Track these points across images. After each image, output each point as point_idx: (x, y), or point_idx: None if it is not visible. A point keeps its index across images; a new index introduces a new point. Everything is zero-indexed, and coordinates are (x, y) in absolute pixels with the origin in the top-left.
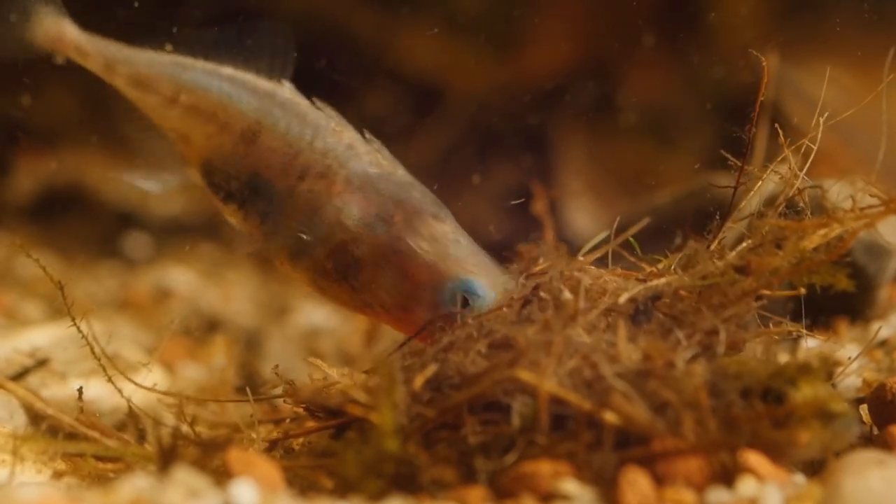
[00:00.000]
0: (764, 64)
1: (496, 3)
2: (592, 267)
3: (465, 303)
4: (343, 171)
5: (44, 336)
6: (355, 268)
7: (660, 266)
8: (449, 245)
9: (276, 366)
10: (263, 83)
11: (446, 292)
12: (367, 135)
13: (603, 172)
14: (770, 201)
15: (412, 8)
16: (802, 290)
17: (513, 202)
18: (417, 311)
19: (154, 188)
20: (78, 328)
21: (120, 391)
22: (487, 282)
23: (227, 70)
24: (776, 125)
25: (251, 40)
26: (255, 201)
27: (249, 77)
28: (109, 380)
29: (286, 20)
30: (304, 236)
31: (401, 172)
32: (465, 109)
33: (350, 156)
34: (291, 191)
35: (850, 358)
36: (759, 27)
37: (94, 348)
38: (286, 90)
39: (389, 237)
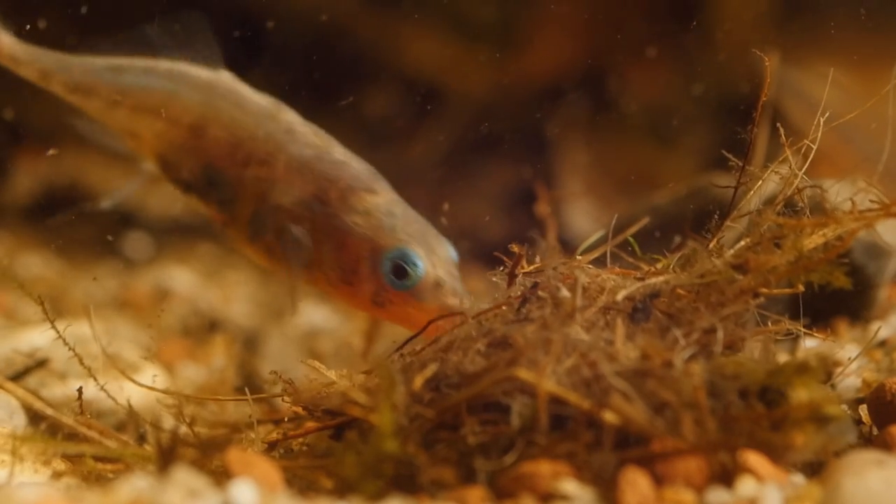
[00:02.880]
0: (766, 62)
1: (497, 5)
2: (590, 266)
3: (404, 272)
4: (282, 155)
5: (44, 336)
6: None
7: (658, 265)
8: (382, 217)
9: (273, 371)
10: (203, 74)
11: (384, 263)
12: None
13: (603, 173)
14: (770, 201)
15: (414, 9)
16: (801, 288)
17: (518, 204)
18: (359, 284)
19: (110, 203)
20: (63, 338)
21: (113, 398)
22: (423, 250)
23: (164, 65)
24: (777, 125)
25: (178, 34)
26: (211, 191)
27: (188, 69)
28: (102, 388)
29: (289, 20)
30: (255, 220)
31: (337, 151)
32: (466, 110)
33: (288, 140)
34: (240, 178)
35: (849, 358)
36: (759, 29)
37: (84, 354)
38: (225, 79)
39: (326, 215)
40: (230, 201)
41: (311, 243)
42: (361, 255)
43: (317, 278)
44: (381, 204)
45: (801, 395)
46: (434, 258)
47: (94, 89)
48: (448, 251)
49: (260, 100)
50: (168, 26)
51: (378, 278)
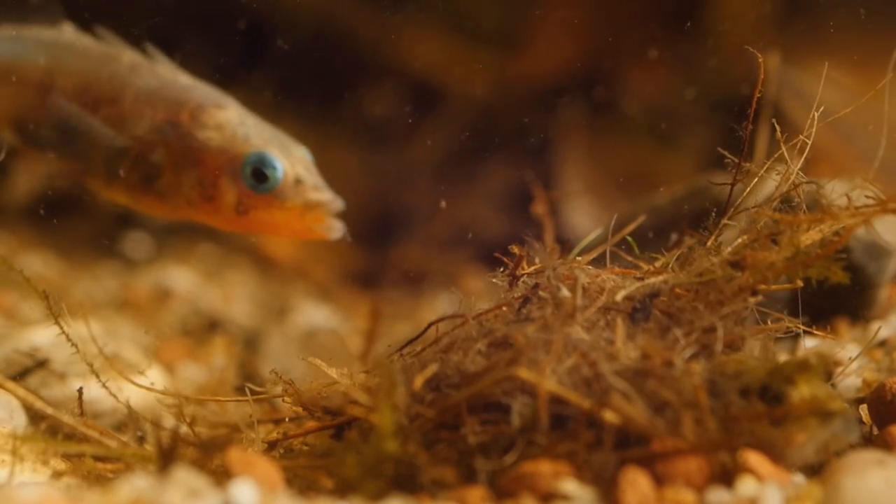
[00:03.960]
0: (760, 61)
1: (497, 4)
2: (589, 266)
3: (264, 176)
4: (129, 90)
5: (44, 336)
6: (157, 174)
7: (657, 264)
8: (235, 128)
9: (273, 371)
10: (45, 32)
11: (244, 170)
12: (150, 49)
13: (603, 173)
14: (769, 199)
15: (414, 8)
16: (799, 284)
17: (519, 205)
18: (221, 198)
19: None
20: (66, 335)
21: (115, 396)
22: (279, 152)
23: (6, 32)
24: (776, 124)
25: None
26: (67, 143)
27: (31, 31)
28: (104, 385)
29: (290, 20)
30: (110, 159)
31: (182, 78)
32: (466, 110)
33: (133, 76)
34: (92, 123)
35: (850, 358)
36: (760, 29)
37: (84, 354)
38: (68, 32)
39: (179, 136)
40: (85, 148)
41: (169, 168)
42: (220, 167)
43: (179, 204)
44: (232, 116)
45: (803, 391)
46: (291, 158)
47: None
48: (303, 152)
49: (102, 46)
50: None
51: (239, 187)
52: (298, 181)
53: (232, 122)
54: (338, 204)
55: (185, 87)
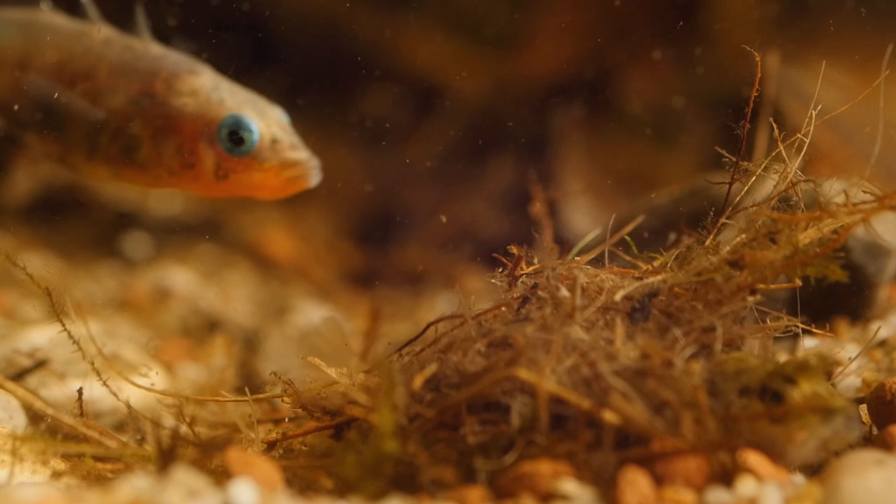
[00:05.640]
0: (759, 60)
1: (496, 4)
2: (588, 266)
3: (240, 138)
4: (103, 64)
5: (44, 336)
6: (136, 145)
7: (655, 264)
8: (209, 93)
9: (274, 372)
10: (22, 14)
11: (220, 133)
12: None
13: (602, 173)
14: (768, 199)
15: (413, 8)
16: (798, 283)
17: (519, 205)
18: (200, 164)
19: None
20: (68, 332)
21: (116, 395)
22: (254, 113)
23: None
24: (774, 124)
25: None
26: (47, 121)
27: (5, 13)
28: (104, 383)
29: (288, 19)
30: (88, 132)
31: (154, 49)
32: (467, 110)
33: (107, 50)
34: (70, 98)
35: (849, 358)
36: (760, 29)
37: (84, 353)
38: (45, 13)
39: (155, 105)
40: (65, 125)
41: (147, 138)
42: (197, 133)
43: (160, 173)
44: (206, 82)
45: (804, 389)
46: (266, 119)
47: None
48: (279, 113)
49: (76, 23)
50: None
51: (217, 151)
52: (275, 141)
53: (206, 87)
54: (314, 162)
55: (157, 57)
